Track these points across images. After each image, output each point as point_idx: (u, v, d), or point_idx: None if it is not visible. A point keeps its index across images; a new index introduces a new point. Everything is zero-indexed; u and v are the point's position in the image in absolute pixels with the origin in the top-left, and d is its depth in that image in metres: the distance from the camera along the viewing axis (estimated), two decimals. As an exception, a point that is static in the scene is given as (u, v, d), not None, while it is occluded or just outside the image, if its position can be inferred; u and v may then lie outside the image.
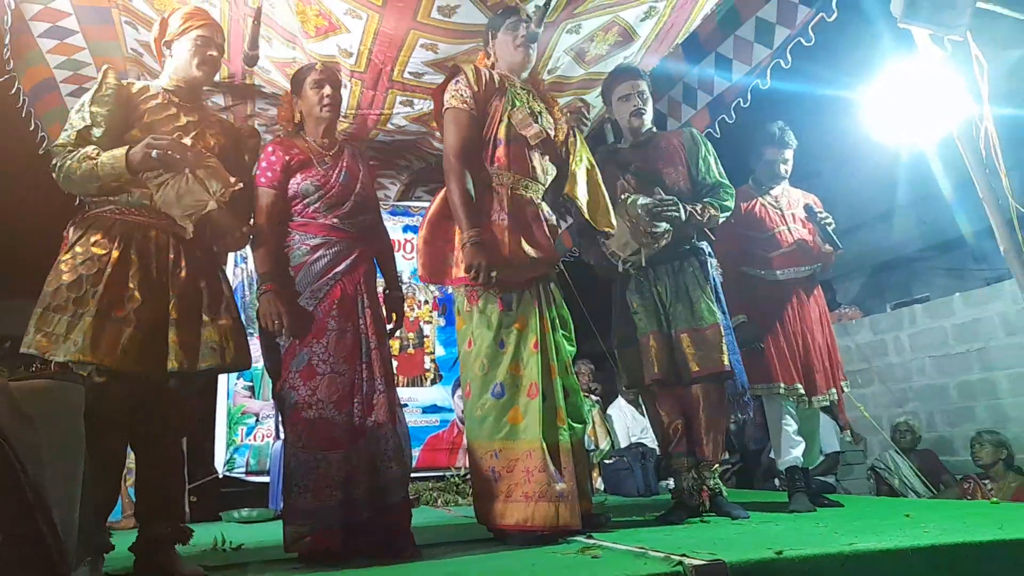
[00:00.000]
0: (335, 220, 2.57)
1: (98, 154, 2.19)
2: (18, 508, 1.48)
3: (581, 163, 2.81)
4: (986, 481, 4.73)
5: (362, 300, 2.58)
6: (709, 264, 3.12)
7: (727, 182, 3.19)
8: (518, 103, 2.75)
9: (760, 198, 3.54)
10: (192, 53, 2.42)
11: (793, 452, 3.27)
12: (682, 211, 2.98)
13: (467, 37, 3.43)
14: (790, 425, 3.30)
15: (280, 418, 4.73)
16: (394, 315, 2.78)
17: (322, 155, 2.65)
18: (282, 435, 4.64)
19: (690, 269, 3.08)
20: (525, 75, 2.89)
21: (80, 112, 2.26)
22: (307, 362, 2.43)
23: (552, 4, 3.12)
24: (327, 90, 2.65)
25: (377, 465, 2.44)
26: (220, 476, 5.01)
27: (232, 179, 2.29)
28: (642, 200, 2.95)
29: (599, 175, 2.87)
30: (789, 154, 3.54)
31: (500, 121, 2.72)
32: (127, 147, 2.19)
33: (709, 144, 3.27)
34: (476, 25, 3.29)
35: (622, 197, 3.02)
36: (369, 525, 2.40)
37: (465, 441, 5.09)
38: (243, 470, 5.02)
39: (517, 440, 2.52)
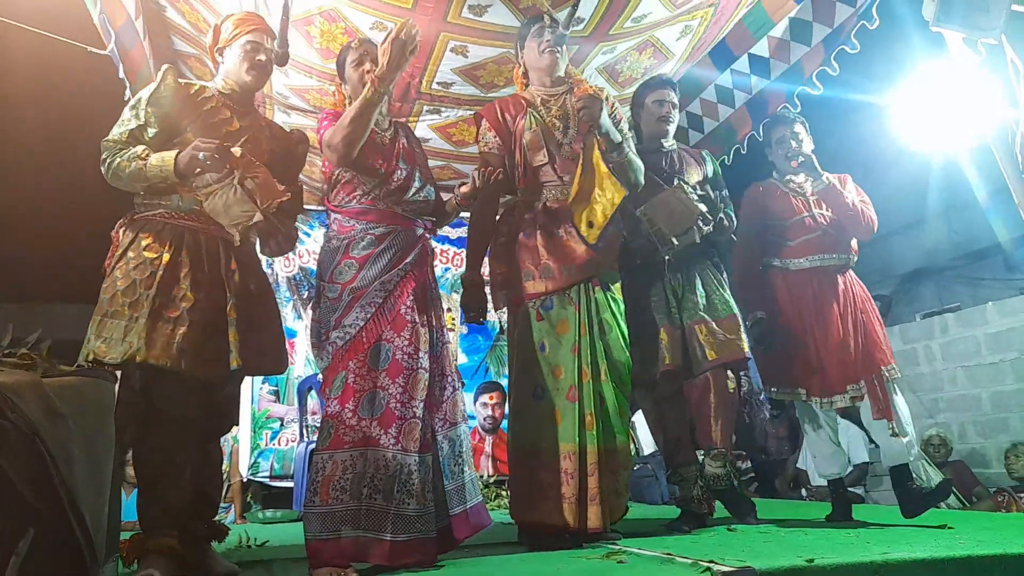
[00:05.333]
0: (397, 207, 2.49)
1: (147, 155, 2.20)
2: (50, 505, 1.50)
3: (587, 171, 2.75)
4: (1021, 494, 4.62)
5: (431, 292, 2.53)
6: (721, 266, 3.20)
7: (731, 207, 3.29)
8: (534, 123, 2.79)
9: (783, 187, 3.30)
10: (242, 59, 2.42)
11: (835, 460, 3.14)
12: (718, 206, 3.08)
13: (497, 39, 3.43)
14: (827, 431, 3.13)
15: (304, 420, 4.78)
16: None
17: (375, 135, 2.51)
18: (307, 438, 4.70)
19: (703, 266, 3.16)
20: (559, 74, 2.86)
21: (135, 109, 2.27)
22: (391, 357, 2.31)
23: (577, 8, 3.12)
24: (367, 66, 2.53)
25: (445, 470, 2.38)
26: (244, 480, 5.04)
27: (280, 188, 2.28)
28: (689, 188, 3.03)
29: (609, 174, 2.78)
30: (799, 128, 3.30)
31: (519, 145, 2.80)
32: (176, 151, 2.20)
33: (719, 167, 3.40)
34: (506, 27, 3.30)
35: (676, 181, 3.06)
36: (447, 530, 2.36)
37: (487, 447, 5.12)
38: (267, 474, 5.05)
39: (556, 443, 2.54)
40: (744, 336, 3.01)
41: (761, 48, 3.95)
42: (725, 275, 3.19)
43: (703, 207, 2.97)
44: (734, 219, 3.23)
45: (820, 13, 3.62)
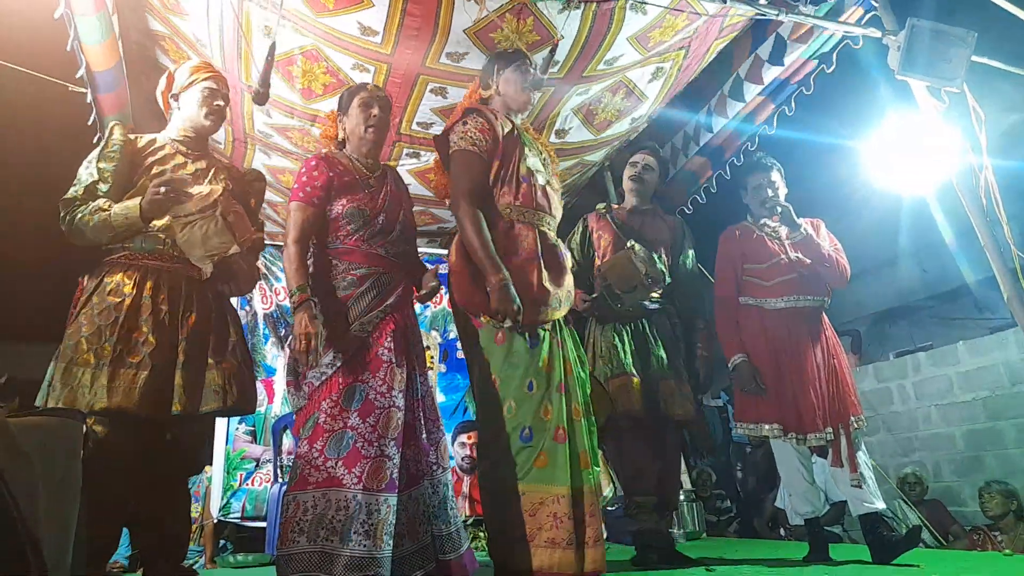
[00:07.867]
0: (381, 249, 2.49)
1: (110, 206, 2.24)
2: (9, 545, 1.46)
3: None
4: (996, 533, 4.64)
5: (412, 335, 2.51)
6: (678, 324, 3.41)
7: (700, 274, 3.52)
8: (528, 145, 2.74)
9: (758, 230, 3.40)
10: (200, 104, 2.49)
11: (810, 498, 3.14)
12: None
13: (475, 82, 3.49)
14: (801, 470, 3.14)
15: (279, 460, 4.70)
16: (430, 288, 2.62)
17: (367, 177, 2.57)
18: (280, 479, 4.62)
19: (668, 325, 3.35)
20: (523, 117, 2.87)
21: (88, 168, 2.33)
22: (365, 397, 2.28)
23: (555, 53, 3.17)
24: (375, 110, 2.60)
25: (441, 513, 2.38)
26: (215, 521, 4.93)
27: (252, 228, 2.34)
28: (645, 251, 3.21)
29: None
30: (775, 176, 3.40)
31: (521, 159, 2.68)
32: (139, 197, 2.24)
33: (691, 237, 3.57)
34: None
35: (628, 244, 3.21)
36: None
37: (465, 487, 5.06)
38: (238, 515, 4.94)
39: (543, 484, 2.40)
40: (693, 399, 3.22)
41: (713, 100, 4.11)
42: (681, 332, 3.40)
43: (647, 269, 3.15)
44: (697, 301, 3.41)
45: (751, 74, 3.81)
